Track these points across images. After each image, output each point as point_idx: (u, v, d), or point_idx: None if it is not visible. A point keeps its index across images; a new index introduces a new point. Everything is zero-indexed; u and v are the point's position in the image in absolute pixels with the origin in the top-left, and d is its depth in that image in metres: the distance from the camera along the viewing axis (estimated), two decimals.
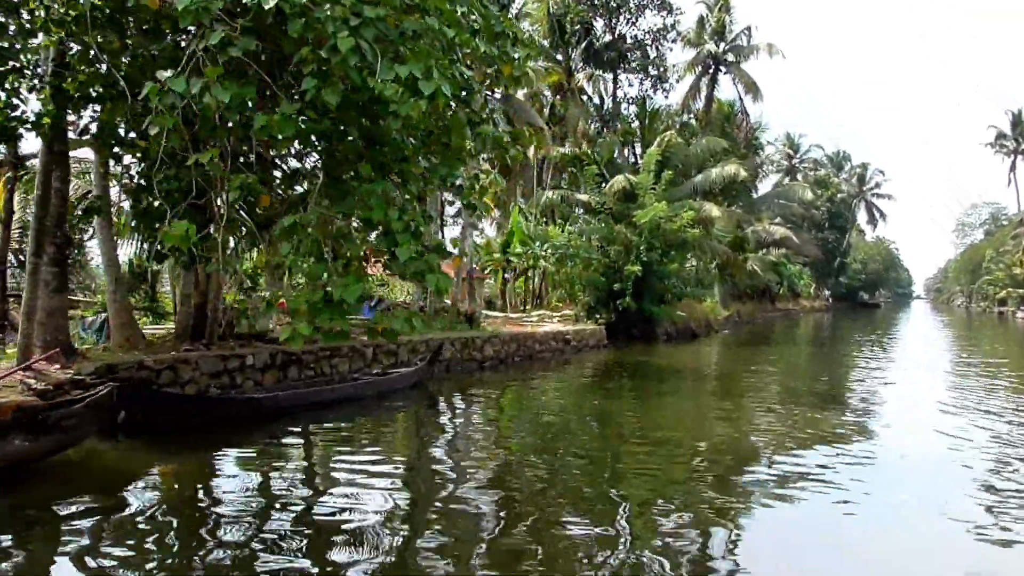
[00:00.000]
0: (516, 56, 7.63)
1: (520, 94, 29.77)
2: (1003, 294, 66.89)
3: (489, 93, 25.56)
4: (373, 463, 8.03)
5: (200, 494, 6.69)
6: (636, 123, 29.61)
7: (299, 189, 8.25)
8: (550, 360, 18.88)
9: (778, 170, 69.52)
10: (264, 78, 5.19)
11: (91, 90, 7.32)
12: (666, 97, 33.19)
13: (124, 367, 9.03)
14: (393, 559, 5.15)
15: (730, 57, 34.40)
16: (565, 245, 26.74)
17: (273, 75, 5.68)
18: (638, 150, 30.28)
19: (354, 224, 6.02)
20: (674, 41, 32.14)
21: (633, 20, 30.73)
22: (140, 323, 12.54)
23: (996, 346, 28.81)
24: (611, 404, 12.69)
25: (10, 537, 5.42)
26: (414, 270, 5.86)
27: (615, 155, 28.12)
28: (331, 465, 7.91)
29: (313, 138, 6.16)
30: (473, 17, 7.26)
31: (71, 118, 8.50)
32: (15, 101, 7.85)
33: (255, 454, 8.24)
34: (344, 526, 5.81)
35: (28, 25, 7.42)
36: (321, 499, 6.56)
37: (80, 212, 11.00)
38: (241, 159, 5.89)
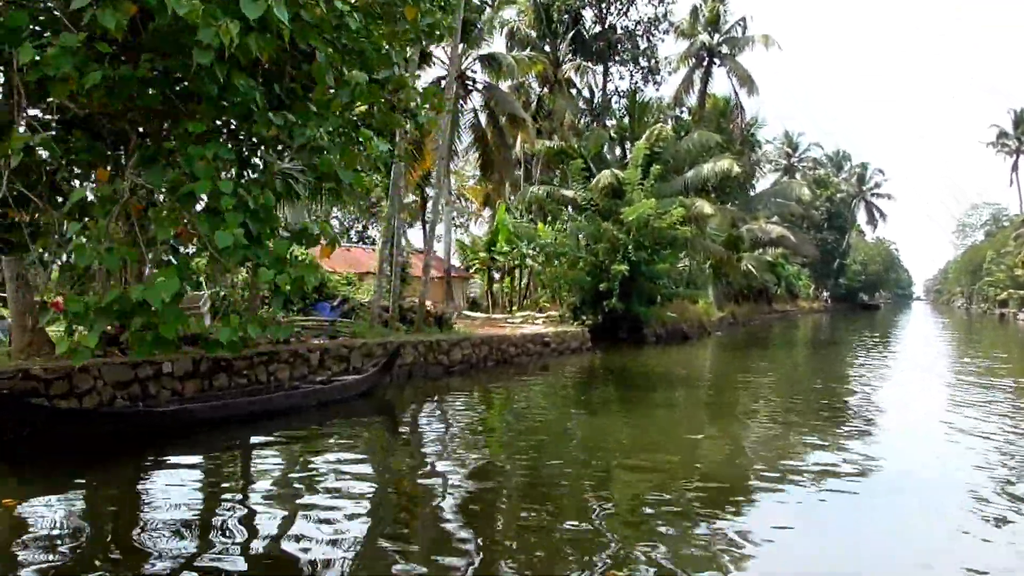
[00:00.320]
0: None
1: (505, 85, 28.61)
2: (1004, 295, 65.75)
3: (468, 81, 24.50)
4: (283, 496, 6.81)
5: (37, 532, 5.46)
6: (626, 117, 28.39)
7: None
8: (527, 365, 17.67)
9: (776, 169, 68.33)
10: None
11: None
12: (657, 89, 31.91)
13: (5, 376, 7.82)
14: None
15: (724, 49, 33.17)
16: (551, 244, 25.57)
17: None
18: (628, 146, 29.04)
19: (168, 198, 4.62)
20: (666, 32, 30.99)
21: (624, 10, 29.59)
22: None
23: (998, 350, 27.62)
24: (585, 417, 11.48)
25: None
26: (240, 259, 4.61)
27: (603, 149, 26.90)
28: (224, 498, 6.67)
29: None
30: None
31: None
32: None
33: (125, 483, 6.84)
34: None
35: None
36: (189, 543, 5.34)
37: None
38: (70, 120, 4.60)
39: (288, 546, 5.31)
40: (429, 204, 32.86)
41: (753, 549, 5.33)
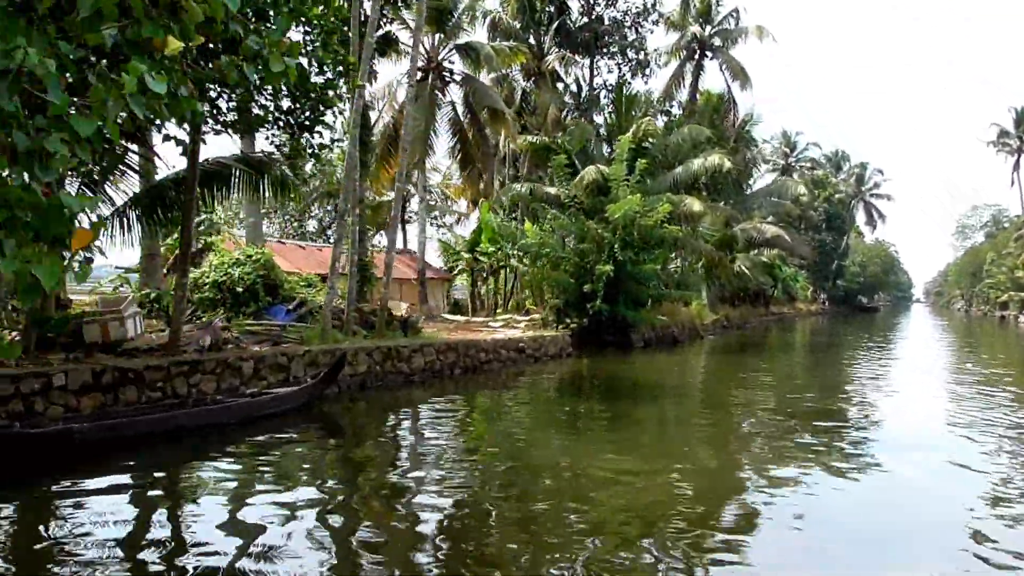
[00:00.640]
0: None
1: (487, 78, 27.44)
2: (1004, 298, 64.64)
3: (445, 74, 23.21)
4: (165, 540, 5.59)
5: None
6: (612, 110, 27.20)
7: None
8: (500, 372, 16.46)
9: (774, 169, 67.17)
10: None
11: None
12: (646, 83, 30.71)
13: None
14: None
15: (717, 41, 31.96)
16: (536, 243, 24.37)
17: None
18: (616, 141, 27.83)
19: None
20: (656, 23, 29.80)
21: (611, 0, 28.42)
22: None
23: (1000, 355, 26.44)
24: (550, 438, 10.26)
25: None
26: None
27: (589, 145, 25.70)
28: (76, 538, 5.45)
29: None
30: None
31: None
32: None
33: None
34: None
35: None
36: None
37: None
38: None
39: None
40: (403, 202, 31.66)
41: None
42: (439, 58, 23.13)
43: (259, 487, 7.20)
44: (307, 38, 9.13)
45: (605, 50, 29.26)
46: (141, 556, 5.15)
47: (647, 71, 30.14)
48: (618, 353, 22.26)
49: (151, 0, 3.03)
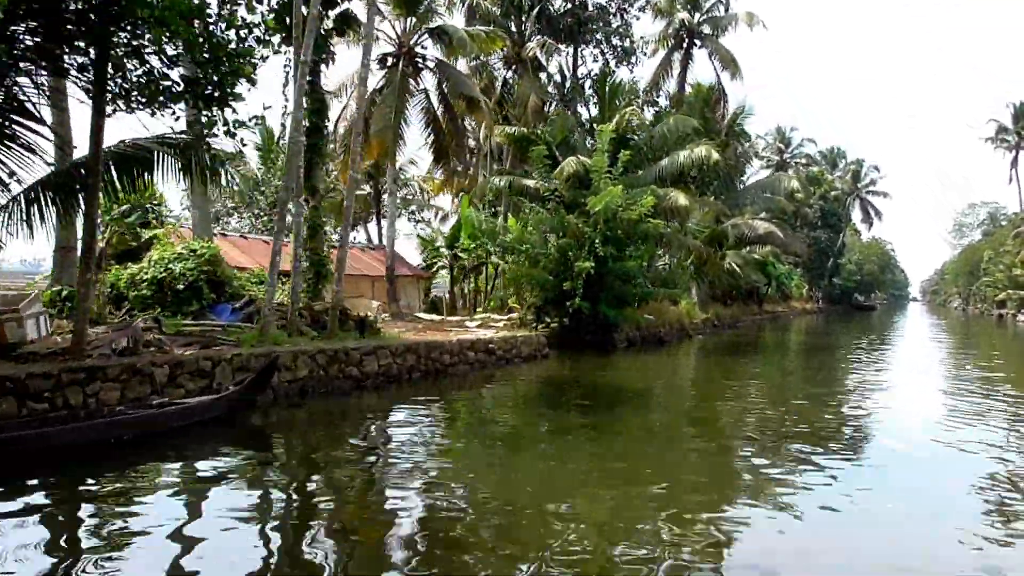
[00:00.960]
0: None
1: (464, 66, 26.24)
2: (1002, 296, 63.70)
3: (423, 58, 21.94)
4: None
5: None
6: (596, 100, 26.00)
7: None
8: (466, 376, 15.28)
9: (768, 165, 66.13)
10: None
11: None
12: (631, 72, 29.48)
13: None
14: None
15: (706, 29, 30.75)
16: (513, 239, 23.22)
17: None
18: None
19: None
20: (642, 9, 28.61)
21: None
22: None
23: (1000, 356, 25.35)
24: (503, 455, 9.08)
25: None
26: None
27: (571, 136, 24.50)
28: None
29: None
30: None
31: None
32: None
33: None
34: None
35: None
36: None
37: None
38: None
39: None
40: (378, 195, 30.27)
41: None
42: (411, 43, 21.90)
43: (115, 523, 6.00)
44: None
45: (589, 37, 28.04)
46: None
47: (633, 60, 28.96)
48: (599, 354, 21.09)
49: None
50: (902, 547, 5.58)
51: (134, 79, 8.12)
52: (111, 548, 5.25)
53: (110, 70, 8.24)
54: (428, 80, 22.80)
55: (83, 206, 9.88)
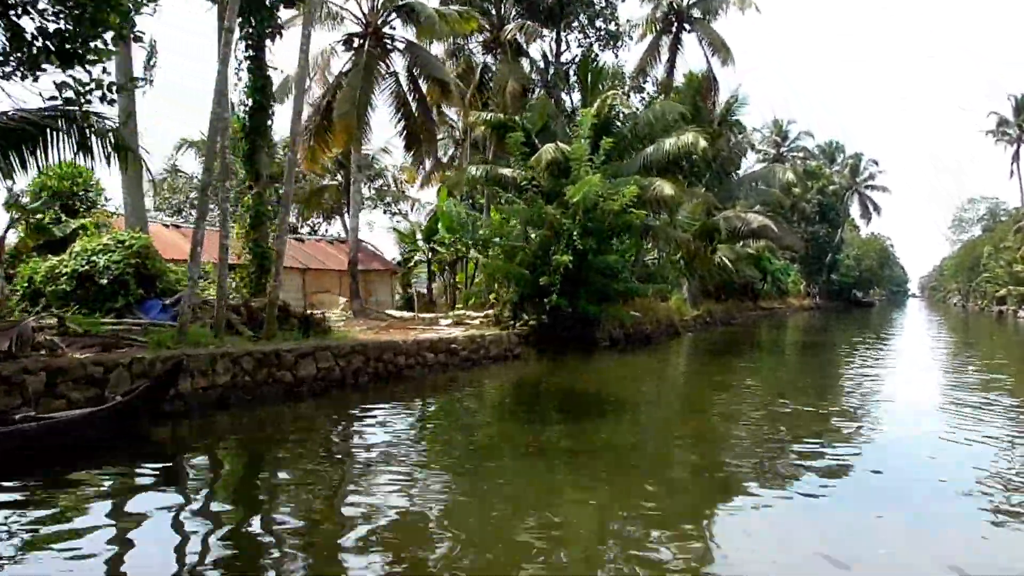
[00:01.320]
0: None
1: (439, 50, 24.85)
2: (1002, 292, 62.48)
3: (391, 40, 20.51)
4: None
5: None
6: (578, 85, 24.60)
7: None
8: (423, 380, 13.94)
9: (764, 159, 64.70)
10: None
11: None
12: (616, 56, 28.03)
13: None
14: None
15: (696, 12, 29.29)
16: (487, 232, 21.92)
17: None
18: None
19: None
20: None
21: None
22: None
23: (1002, 355, 24.06)
24: (441, 481, 7.74)
25: None
26: None
27: (551, 123, 23.12)
28: None
29: None
30: None
31: None
32: None
33: None
34: None
35: None
36: None
37: None
38: None
39: None
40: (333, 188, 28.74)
41: None
42: (378, 22, 20.50)
43: None
44: None
45: (572, 20, 26.62)
46: None
47: (619, 44, 27.56)
48: (579, 354, 19.74)
49: None
50: None
51: None
52: None
53: None
54: (398, 63, 21.44)
55: None
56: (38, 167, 9.65)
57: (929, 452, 8.57)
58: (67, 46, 6.82)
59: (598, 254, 20.25)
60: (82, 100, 7.60)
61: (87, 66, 7.24)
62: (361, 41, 20.54)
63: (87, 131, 8.99)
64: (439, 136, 33.86)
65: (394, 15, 20.55)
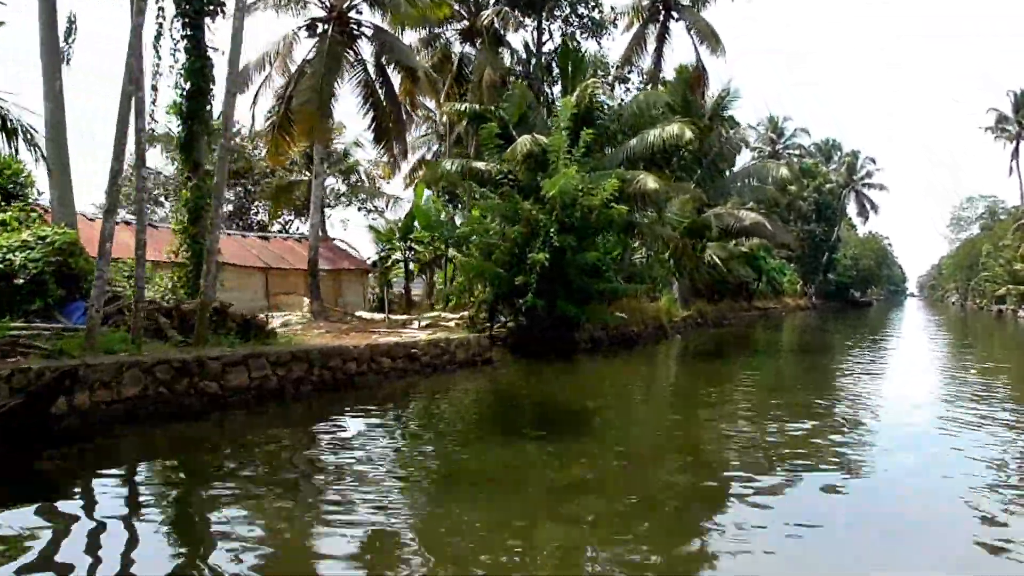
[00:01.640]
0: None
1: (414, 39, 23.69)
2: (1002, 291, 61.46)
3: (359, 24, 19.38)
4: None
5: None
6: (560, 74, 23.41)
7: None
8: (379, 388, 12.75)
9: (760, 156, 63.55)
10: None
11: None
12: (600, 46, 26.79)
13: None
14: None
15: (684, 0, 28.10)
16: (461, 229, 20.77)
17: None
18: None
19: None
20: None
21: None
22: None
23: (1004, 358, 22.92)
24: (358, 526, 6.55)
25: None
26: None
27: (530, 114, 21.92)
28: None
29: None
30: None
31: None
32: None
33: None
34: None
35: None
36: None
37: None
38: None
39: None
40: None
41: None
42: (343, 7, 19.31)
43: None
44: None
45: (554, 7, 25.41)
46: None
47: (603, 33, 26.36)
48: (557, 358, 18.54)
49: None
50: None
51: None
52: None
53: None
54: (366, 51, 20.22)
55: None
56: None
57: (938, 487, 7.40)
58: None
59: (577, 252, 19.06)
60: None
61: None
62: (325, 26, 19.36)
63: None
64: (424, 132, 32.79)
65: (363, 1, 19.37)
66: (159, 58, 12.58)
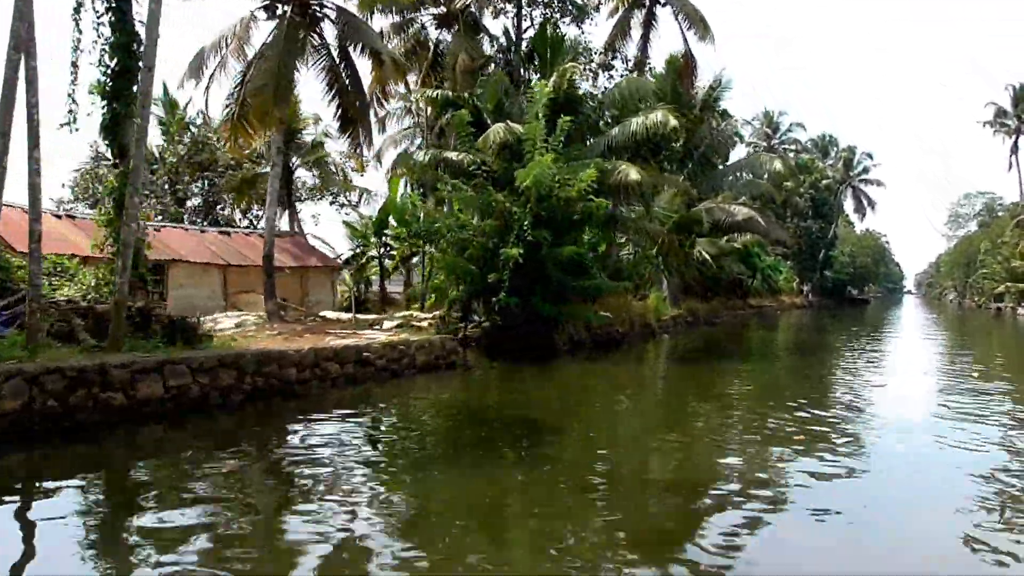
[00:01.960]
0: None
1: (384, 23, 22.48)
2: (1000, 289, 60.45)
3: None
4: None
5: None
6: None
7: None
8: (325, 397, 11.53)
9: (755, 151, 62.40)
10: None
11: None
12: (582, 31, 25.51)
13: None
14: None
15: None
16: (427, 224, 19.58)
17: None
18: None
19: None
20: None
21: None
22: None
23: (1005, 359, 21.79)
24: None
25: None
26: None
27: (505, 100, 20.72)
28: None
29: None
30: None
31: None
32: None
33: None
34: None
35: None
36: None
37: None
38: None
39: None
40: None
41: None
42: None
43: None
44: None
45: None
46: None
47: (585, 18, 25.12)
48: (534, 361, 17.33)
49: None
50: None
51: None
52: None
53: None
54: (330, 35, 19.01)
55: None
56: None
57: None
58: None
59: (553, 246, 17.87)
60: None
61: None
62: (285, 8, 18.13)
63: None
64: (407, 126, 31.54)
65: None
66: (80, 32, 11.37)
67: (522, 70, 24.08)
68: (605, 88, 22.97)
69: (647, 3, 26.08)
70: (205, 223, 25.98)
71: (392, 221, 24.42)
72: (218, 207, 26.65)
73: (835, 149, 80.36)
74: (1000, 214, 76.79)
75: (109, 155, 11.87)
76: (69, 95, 11.24)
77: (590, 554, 5.23)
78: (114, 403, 8.81)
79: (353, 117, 19.07)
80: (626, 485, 7.19)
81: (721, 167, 34.43)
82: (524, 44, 24.93)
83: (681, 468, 7.98)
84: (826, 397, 13.04)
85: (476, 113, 19.95)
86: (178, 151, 24.93)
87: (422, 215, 22.02)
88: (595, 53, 26.07)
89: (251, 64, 18.23)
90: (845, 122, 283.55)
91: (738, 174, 33.27)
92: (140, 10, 11.97)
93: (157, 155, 25.32)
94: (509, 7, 25.39)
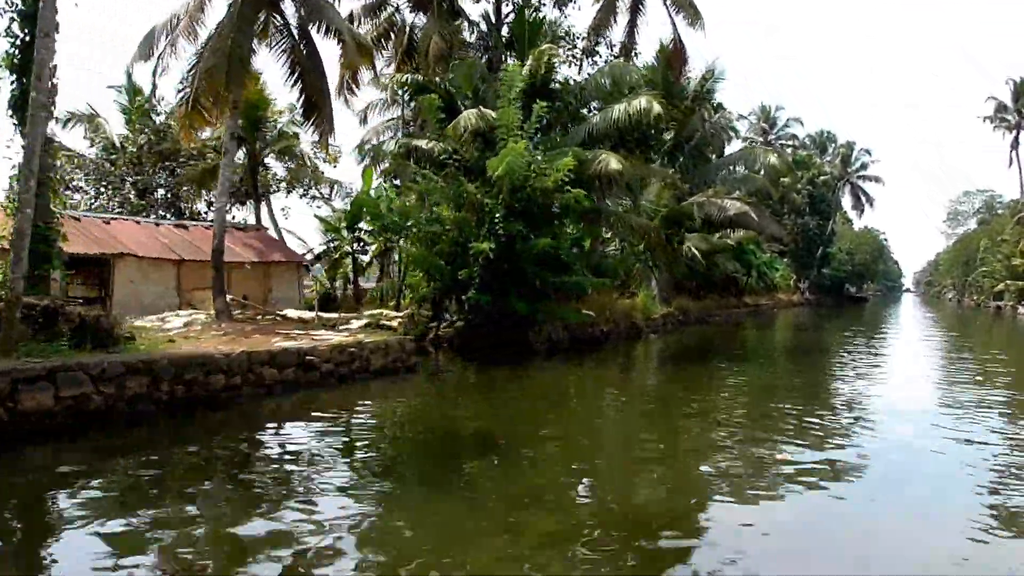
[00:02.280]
0: None
1: (355, 5, 21.22)
2: (1000, 287, 59.39)
3: None
4: None
5: None
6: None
7: None
8: (253, 407, 10.31)
9: (752, 147, 61.18)
10: None
11: None
12: (562, 12, 24.25)
13: None
14: None
15: None
16: (390, 216, 18.43)
17: None
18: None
19: None
20: None
21: None
22: None
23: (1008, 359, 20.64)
24: None
25: None
26: None
27: (480, 87, 19.51)
28: None
29: None
30: None
31: None
32: None
33: None
34: None
35: None
36: None
37: None
38: None
39: None
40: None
41: None
42: None
43: None
44: None
45: None
46: None
47: (567, 1, 23.87)
48: (508, 362, 16.11)
49: None
50: None
51: None
52: None
53: None
54: (291, 15, 17.75)
55: None
56: None
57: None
58: None
59: (528, 240, 16.67)
60: None
61: None
62: None
63: None
64: (392, 117, 30.27)
65: None
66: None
67: (503, 56, 22.82)
68: (588, 75, 21.69)
69: None
70: (169, 216, 24.74)
71: (364, 215, 23.17)
72: (180, 200, 25.38)
73: (833, 145, 79.18)
74: (1000, 212, 75.79)
75: (19, 135, 10.60)
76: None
77: None
78: (3, 416, 7.60)
79: (317, 103, 17.82)
80: (585, 524, 6.00)
81: (715, 160, 33.26)
82: (505, 30, 23.71)
83: (657, 503, 6.80)
84: (822, 404, 11.86)
85: (449, 99, 18.74)
86: (138, 140, 23.67)
87: (394, 208, 20.82)
88: (579, 39, 24.83)
89: (206, 44, 16.99)
90: (838, 113, 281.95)
91: (732, 168, 32.07)
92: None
93: (117, 143, 24.05)
94: None
